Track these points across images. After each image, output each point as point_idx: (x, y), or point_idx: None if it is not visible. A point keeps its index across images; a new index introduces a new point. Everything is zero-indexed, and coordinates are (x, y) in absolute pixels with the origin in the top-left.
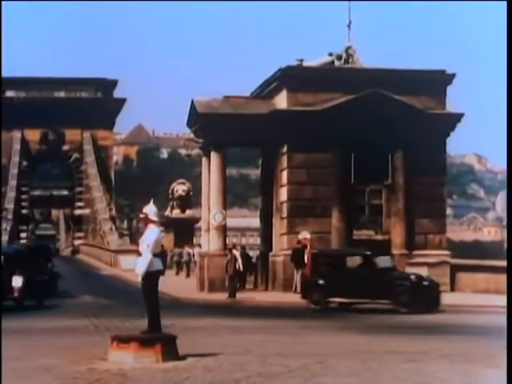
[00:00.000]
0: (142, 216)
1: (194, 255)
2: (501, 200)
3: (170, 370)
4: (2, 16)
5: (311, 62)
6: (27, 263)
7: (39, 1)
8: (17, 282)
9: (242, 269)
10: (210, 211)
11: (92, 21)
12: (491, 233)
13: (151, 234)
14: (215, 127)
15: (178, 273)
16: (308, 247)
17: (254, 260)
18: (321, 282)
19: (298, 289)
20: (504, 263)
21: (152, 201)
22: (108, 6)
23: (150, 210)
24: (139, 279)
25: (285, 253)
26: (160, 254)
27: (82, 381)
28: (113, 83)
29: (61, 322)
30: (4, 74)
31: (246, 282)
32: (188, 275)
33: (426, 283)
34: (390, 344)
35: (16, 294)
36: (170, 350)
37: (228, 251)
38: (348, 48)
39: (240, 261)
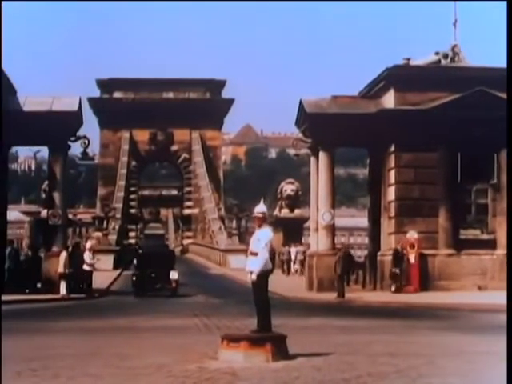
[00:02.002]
0: (259, 216)
1: (296, 254)
2: None
3: (280, 369)
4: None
5: (418, 61)
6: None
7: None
8: (173, 275)
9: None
10: (319, 211)
11: (202, 21)
12: None
13: (267, 233)
14: (323, 127)
15: (283, 271)
16: (415, 247)
17: (362, 260)
18: None
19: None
20: None
21: (262, 200)
22: (220, 6)
23: (265, 209)
24: (254, 278)
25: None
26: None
27: (193, 379)
28: (221, 83)
29: (172, 321)
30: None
31: (350, 281)
32: (288, 273)
33: None
34: (495, 344)
35: (173, 285)
36: (280, 349)
37: (337, 251)
38: (454, 46)
39: None
